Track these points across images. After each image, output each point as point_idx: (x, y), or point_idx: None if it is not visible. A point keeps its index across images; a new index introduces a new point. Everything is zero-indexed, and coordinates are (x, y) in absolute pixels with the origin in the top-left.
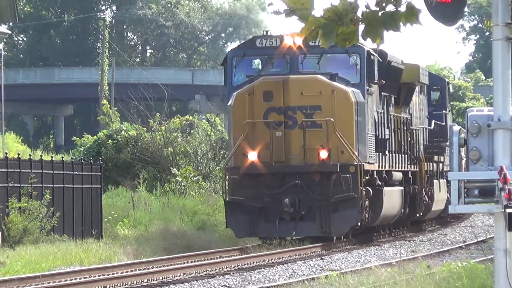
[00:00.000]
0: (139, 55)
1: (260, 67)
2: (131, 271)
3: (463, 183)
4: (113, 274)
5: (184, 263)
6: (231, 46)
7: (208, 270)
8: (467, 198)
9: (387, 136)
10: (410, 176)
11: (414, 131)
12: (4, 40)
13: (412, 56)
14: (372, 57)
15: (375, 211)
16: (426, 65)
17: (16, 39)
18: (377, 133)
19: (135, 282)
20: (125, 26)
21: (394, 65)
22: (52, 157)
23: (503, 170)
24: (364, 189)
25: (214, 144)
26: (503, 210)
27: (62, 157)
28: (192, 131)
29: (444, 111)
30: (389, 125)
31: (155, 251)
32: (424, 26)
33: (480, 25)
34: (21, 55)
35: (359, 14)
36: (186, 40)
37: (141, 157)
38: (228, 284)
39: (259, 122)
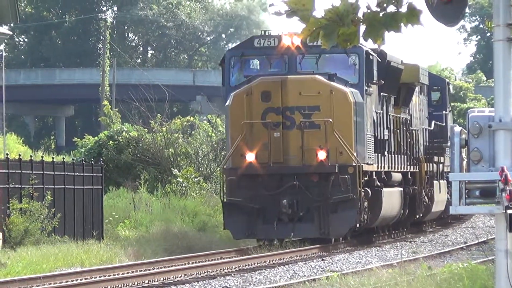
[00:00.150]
0: (140, 56)
1: (258, 67)
2: (132, 272)
3: (464, 184)
4: (114, 275)
5: (185, 264)
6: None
7: (209, 271)
8: (468, 199)
9: (386, 137)
10: (409, 177)
11: (414, 131)
12: (5, 41)
13: (413, 57)
14: (371, 57)
15: (374, 212)
16: (428, 65)
17: (17, 40)
18: (376, 133)
19: (136, 283)
20: (126, 27)
21: (393, 65)
22: (53, 158)
23: (504, 171)
24: (363, 190)
25: (215, 145)
26: (504, 211)
27: (63, 158)
28: (193, 132)
29: (444, 112)
30: (388, 126)
31: (156, 252)
32: (425, 26)
33: (481, 26)
34: (22, 56)
35: (360, 15)
36: (187, 41)
37: (142, 158)
38: (229, 285)
39: (257, 122)
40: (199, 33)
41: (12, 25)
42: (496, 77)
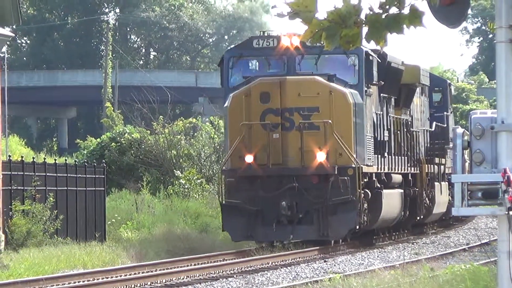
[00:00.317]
0: (143, 58)
1: (257, 68)
2: (135, 273)
3: (466, 185)
4: (116, 276)
5: (187, 265)
6: None
7: (212, 273)
8: (470, 201)
9: (386, 138)
10: (410, 178)
11: (414, 133)
12: (8, 43)
13: (415, 59)
14: (370, 58)
15: (374, 214)
16: (430, 67)
17: (19, 41)
18: (376, 135)
19: (138, 285)
20: (128, 29)
21: (394, 66)
22: (55, 159)
23: (507, 173)
24: (362, 191)
25: (218, 147)
26: (506, 212)
27: (66, 160)
28: (195, 133)
29: (445, 113)
30: (389, 127)
31: (159, 254)
32: (428, 28)
33: (483, 27)
34: (24, 58)
35: (362, 16)
36: (190, 42)
37: (145, 159)
38: (232, 286)
39: (256, 124)
40: (202, 35)
41: (14, 27)
42: (499, 78)
